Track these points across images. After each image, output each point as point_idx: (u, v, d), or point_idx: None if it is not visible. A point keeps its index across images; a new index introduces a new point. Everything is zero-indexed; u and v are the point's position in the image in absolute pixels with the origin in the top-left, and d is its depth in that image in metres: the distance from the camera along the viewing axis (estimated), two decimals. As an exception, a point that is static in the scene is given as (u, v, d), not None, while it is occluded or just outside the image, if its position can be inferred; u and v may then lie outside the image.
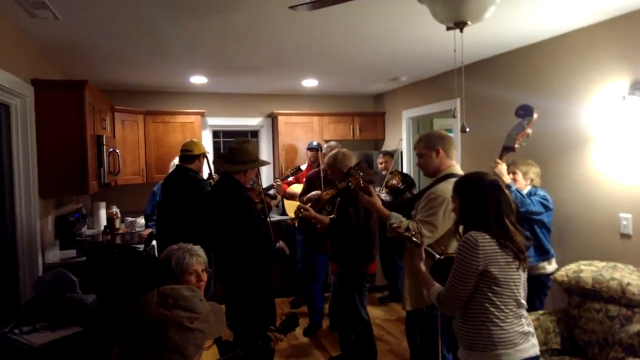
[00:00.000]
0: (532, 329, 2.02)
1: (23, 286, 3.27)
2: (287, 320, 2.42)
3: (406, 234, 2.30)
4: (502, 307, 1.93)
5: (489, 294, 1.93)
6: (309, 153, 5.13)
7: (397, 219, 2.62)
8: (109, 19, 2.99)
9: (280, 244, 3.10)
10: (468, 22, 1.85)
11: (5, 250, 3.11)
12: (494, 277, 1.92)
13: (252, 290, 2.91)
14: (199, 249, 2.20)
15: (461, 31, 1.84)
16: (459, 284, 1.94)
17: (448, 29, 2.04)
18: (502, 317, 1.93)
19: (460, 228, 2.15)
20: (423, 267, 2.24)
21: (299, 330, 4.47)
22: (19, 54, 3.18)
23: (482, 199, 1.99)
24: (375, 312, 4.97)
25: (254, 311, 2.87)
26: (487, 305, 1.93)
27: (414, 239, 2.28)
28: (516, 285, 1.96)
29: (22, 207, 3.26)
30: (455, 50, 2.16)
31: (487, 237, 1.93)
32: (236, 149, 2.97)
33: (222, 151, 6.33)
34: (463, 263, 1.93)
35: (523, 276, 2.01)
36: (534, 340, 1.99)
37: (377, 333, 4.33)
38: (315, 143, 5.18)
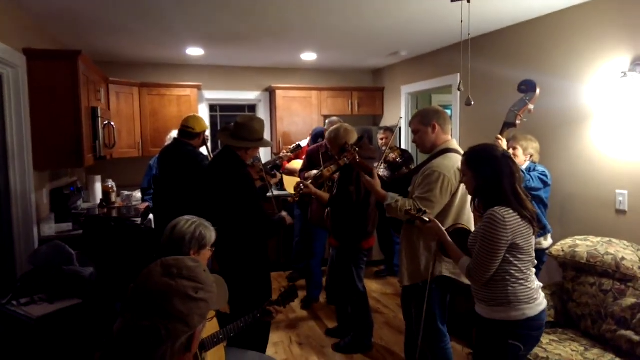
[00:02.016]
0: (539, 283, 2.16)
1: (19, 259, 3.26)
2: (286, 291, 2.44)
3: (418, 214, 2.30)
4: (524, 269, 2.06)
5: (512, 260, 2.03)
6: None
7: (392, 199, 2.63)
8: (103, -13, 2.90)
9: (283, 214, 3.08)
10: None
11: (0, 223, 3.09)
12: (520, 247, 2.02)
13: (248, 265, 2.92)
14: (206, 222, 2.20)
15: (468, 1, 1.80)
16: (489, 259, 2.01)
17: (452, 0, 1.99)
18: (524, 278, 2.05)
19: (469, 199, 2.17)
20: (448, 237, 2.26)
21: (296, 303, 4.52)
22: (9, 23, 3.10)
23: (497, 172, 2.04)
24: (371, 286, 5.02)
25: (250, 285, 2.88)
26: (513, 271, 2.04)
27: (425, 218, 2.29)
28: (533, 249, 2.09)
29: (16, 179, 3.23)
30: (462, 22, 2.11)
31: (511, 211, 1.99)
32: (242, 124, 2.92)
33: (219, 125, 6.27)
34: (492, 240, 1.98)
35: (534, 238, 2.11)
36: (542, 293, 2.15)
37: (374, 306, 4.38)
38: (320, 128, 4.95)
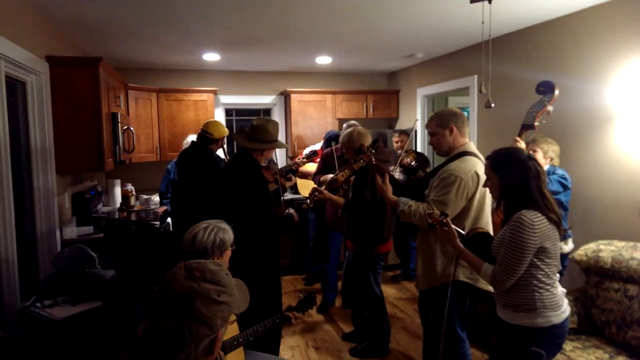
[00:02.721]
0: (563, 289, 2.12)
1: (42, 261, 3.32)
2: (305, 298, 2.45)
3: (440, 218, 2.26)
4: (551, 274, 2.03)
5: (539, 264, 2.00)
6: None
7: (405, 204, 2.61)
8: (123, -6, 2.96)
9: (291, 210, 3.10)
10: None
11: (24, 225, 3.15)
12: (547, 250, 1.99)
13: (258, 265, 2.93)
14: (222, 222, 2.21)
15: (489, 2, 1.78)
16: (517, 263, 1.98)
17: (472, 1, 1.98)
18: (550, 283, 2.03)
19: (488, 202, 2.15)
20: (461, 245, 2.24)
21: (312, 309, 4.51)
22: (33, 31, 3.16)
23: (524, 175, 2.01)
24: (387, 291, 4.99)
25: (259, 286, 2.89)
26: (540, 276, 2.01)
27: (443, 220, 2.26)
28: (559, 253, 2.06)
29: (39, 183, 3.29)
30: (483, 23, 2.09)
31: (539, 215, 1.97)
32: (257, 127, 2.97)
33: (234, 129, 6.33)
34: (520, 244, 1.95)
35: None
36: (565, 299, 2.11)
37: (390, 311, 4.36)
38: (333, 132, 4.92)
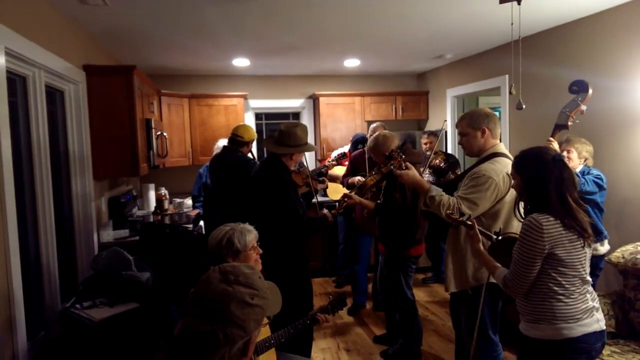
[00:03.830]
0: (596, 304, 1.96)
1: (80, 264, 3.44)
2: (336, 300, 2.46)
3: (461, 219, 2.25)
4: (568, 285, 1.90)
5: (554, 274, 1.89)
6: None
7: (437, 191, 2.55)
8: (154, 4, 3.04)
9: (325, 211, 3.11)
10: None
11: (63, 229, 3.27)
12: (560, 258, 1.87)
13: (288, 269, 2.96)
14: (248, 225, 2.25)
15: (519, 3, 1.76)
16: (525, 268, 1.90)
17: (501, 1, 1.95)
18: (566, 294, 1.89)
19: (521, 206, 2.08)
20: (482, 248, 2.20)
21: (343, 310, 4.52)
22: (71, 41, 3.29)
23: (544, 177, 1.91)
24: (419, 293, 4.95)
25: (289, 289, 2.91)
26: (552, 285, 1.90)
27: (468, 222, 2.23)
28: (581, 264, 1.91)
29: (77, 188, 3.42)
30: (512, 24, 2.06)
31: (551, 219, 1.87)
32: (285, 131, 3.00)
33: (264, 133, 6.40)
34: (528, 247, 1.88)
35: (589, 252, 1.95)
36: (598, 315, 1.94)
37: (422, 313, 4.32)
38: (361, 134, 4.94)
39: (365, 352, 3.74)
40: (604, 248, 3.19)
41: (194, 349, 1.10)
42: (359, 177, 4.11)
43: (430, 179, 4.38)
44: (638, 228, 3.25)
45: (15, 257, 2.25)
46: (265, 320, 1.26)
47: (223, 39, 4.06)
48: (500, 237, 2.20)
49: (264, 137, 6.42)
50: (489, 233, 2.26)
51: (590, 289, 1.97)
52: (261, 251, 2.26)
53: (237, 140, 3.96)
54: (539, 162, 1.95)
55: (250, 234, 2.20)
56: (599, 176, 3.15)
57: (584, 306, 1.91)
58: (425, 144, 5.09)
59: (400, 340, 3.57)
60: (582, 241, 1.90)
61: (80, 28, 3.49)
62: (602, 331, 1.93)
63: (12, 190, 2.23)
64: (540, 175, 1.93)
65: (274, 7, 3.15)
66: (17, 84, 2.62)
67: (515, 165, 2.06)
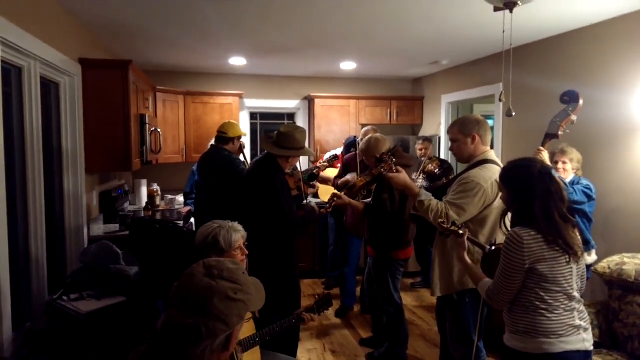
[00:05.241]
0: (585, 324, 1.93)
1: (69, 257, 3.43)
2: (322, 299, 2.47)
3: (453, 228, 2.24)
4: (551, 301, 1.87)
5: (537, 290, 1.87)
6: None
7: (427, 195, 2.57)
8: (152, 0, 3.05)
9: (311, 203, 3.14)
10: (519, 2, 1.79)
11: (53, 222, 3.27)
12: (542, 274, 1.85)
13: (278, 270, 2.97)
14: (237, 225, 2.25)
15: (511, 12, 1.78)
16: (506, 281, 1.89)
17: (496, 9, 1.98)
18: (550, 309, 1.86)
19: (508, 219, 2.08)
20: (467, 257, 2.20)
21: (330, 311, 4.52)
22: (67, 34, 3.29)
23: (530, 192, 1.88)
24: (407, 298, 4.97)
25: (277, 288, 2.92)
26: (534, 299, 1.88)
27: (460, 231, 2.23)
28: (566, 280, 1.87)
29: (69, 181, 3.41)
30: (504, 32, 2.09)
31: (533, 233, 1.85)
32: (285, 134, 3.03)
33: (259, 132, 6.42)
34: (509, 260, 1.87)
35: (576, 268, 1.91)
36: (585, 335, 1.90)
37: (409, 318, 4.34)
38: (352, 138, 4.96)
39: (351, 354, 3.75)
40: (591, 258, 3.23)
41: (176, 342, 1.11)
42: (349, 176, 4.13)
43: (425, 184, 4.41)
44: (626, 238, 3.29)
45: (4, 247, 2.25)
46: (249, 315, 1.28)
47: (220, 37, 4.08)
48: (493, 248, 2.18)
49: (259, 136, 6.45)
50: (482, 244, 2.27)
51: (580, 307, 1.94)
52: (247, 252, 2.26)
53: (222, 137, 3.95)
54: (525, 176, 1.92)
55: (237, 234, 2.19)
56: (588, 186, 3.18)
57: (569, 322, 1.88)
58: (421, 150, 5.12)
59: (386, 343, 3.59)
60: (567, 257, 1.86)
61: (77, 21, 3.48)
62: (587, 352, 1.90)
63: (2, 180, 2.23)
64: (527, 189, 1.90)
65: (271, 6, 3.17)
66: (12, 74, 2.62)
67: (501, 177, 2.05)
